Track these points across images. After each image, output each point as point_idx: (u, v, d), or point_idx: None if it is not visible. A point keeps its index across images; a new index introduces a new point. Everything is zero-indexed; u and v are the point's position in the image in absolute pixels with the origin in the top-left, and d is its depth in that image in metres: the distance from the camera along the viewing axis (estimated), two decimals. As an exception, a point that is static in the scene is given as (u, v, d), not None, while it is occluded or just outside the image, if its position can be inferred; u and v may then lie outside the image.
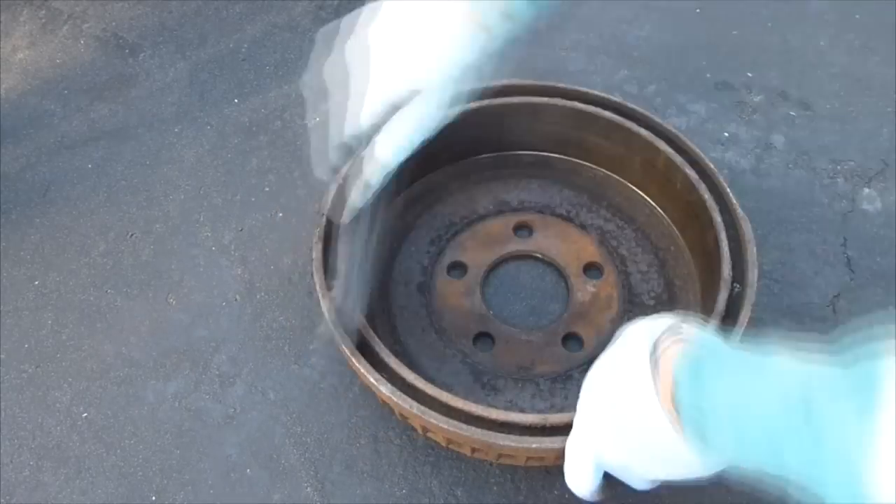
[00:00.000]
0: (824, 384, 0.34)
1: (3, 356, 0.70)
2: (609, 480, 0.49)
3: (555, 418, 0.54)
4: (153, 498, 0.62)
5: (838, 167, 0.80)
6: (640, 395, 0.43)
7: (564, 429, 0.53)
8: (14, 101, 0.90)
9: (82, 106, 0.89)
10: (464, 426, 0.53)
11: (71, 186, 0.82)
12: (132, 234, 0.77)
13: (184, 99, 0.88)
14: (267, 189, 0.80)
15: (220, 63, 0.92)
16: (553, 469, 0.61)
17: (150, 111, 0.87)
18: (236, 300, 0.72)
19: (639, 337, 0.45)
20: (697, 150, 0.69)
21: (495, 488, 0.61)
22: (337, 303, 0.58)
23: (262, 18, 0.96)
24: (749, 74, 0.89)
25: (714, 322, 0.58)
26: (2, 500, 0.62)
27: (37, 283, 0.74)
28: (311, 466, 0.62)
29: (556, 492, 0.60)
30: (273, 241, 0.76)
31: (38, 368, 0.69)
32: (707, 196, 0.66)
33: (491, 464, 0.62)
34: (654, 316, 0.48)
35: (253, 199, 0.79)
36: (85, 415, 0.66)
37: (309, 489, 0.61)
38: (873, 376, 0.31)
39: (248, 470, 0.63)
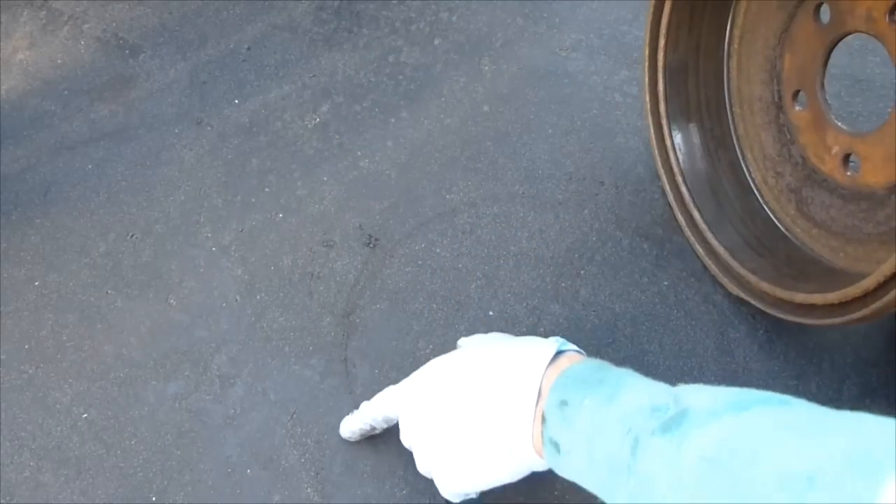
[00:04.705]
0: (648, 414, 0.41)
1: (3, 357, 0.70)
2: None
3: None
4: (153, 498, 0.62)
5: (838, 167, 0.80)
6: (519, 441, 0.48)
7: None
8: (14, 102, 0.90)
9: (82, 107, 0.89)
10: None
11: (71, 187, 0.82)
12: (132, 235, 0.77)
13: (184, 100, 0.88)
14: (267, 189, 0.80)
15: (220, 63, 0.92)
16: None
17: (151, 112, 0.87)
18: (236, 301, 0.72)
19: (526, 377, 0.48)
20: None
21: (495, 489, 0.61)
22: None
23: (262, 19, 0.96)
24: (749, 74, 0.89)
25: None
26: (2, 501, 0.62)
27: (37, 283, 0.75)
28: (312, 467, 0.62)
29: (556, 492, 0.60)
30: (273, 241, 0.76)
31: (39, 369, 0.69)
32: None
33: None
34: (531, 340, 0.52)
35: (253, 200, 0.79)
36: (85, 415, 0.66)
37: (309, 490, 0.61)
38: (682, 411, 0.39)
39: (249, 470, 0.63)
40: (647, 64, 0.70)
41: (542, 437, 0.46)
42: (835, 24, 0.59)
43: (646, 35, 0.69)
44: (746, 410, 0.38)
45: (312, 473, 0.62)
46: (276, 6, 0.97)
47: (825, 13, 0.60)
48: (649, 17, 0.68)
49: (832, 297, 0.54)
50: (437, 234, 0.75)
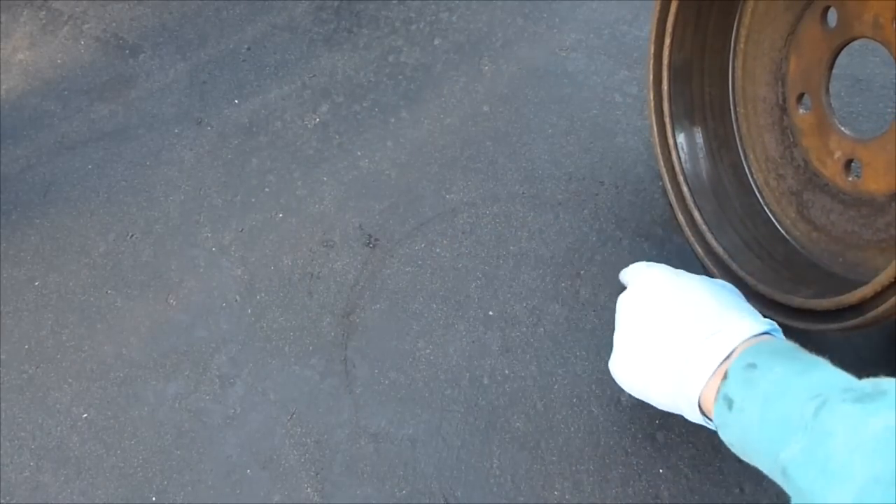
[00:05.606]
0: (840, 389, 0.41)
1: (3, 357, 0.70)
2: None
3: None
4: (153, 498, 0.62)
5: (838, 167, 0.80)
6: (690, 385, 0.50)
7: None
8: (14, 102, 0.90)
9: (82, 106, 0.89)
10: None
11: (71, 187, 0.82)
12: (132, 235, 0.77)
13: (184, 99, 0.88)
14: (267, 189, 0.80)
15: (220, 63, 0.92)
16: (553, 469, 0.61)
17: (150, 112, 0.87)
18: (236, 301, 0.72)
19: (727, 336, 0.51)
20: None
21: (495, 489, 0.61)
22: None
23: (262, 19, 0.96)
24: (749, 75, 0.89)
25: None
26: (2, 501, 0.62)
27: (37, 283, 0.75)
28: (312, 467, 0.62)
29: (556, 492, 0.60)
30: (273, 241, 0.76)
31: (39, 369, 0.69)
32: None
33: (491, 464, 0.62)
34: (750, 310, 0.54)
35: (253, 200, 0.79)
36: (85, 415, 0.66)
37: (309, 490, 0.61)
38: (881, 391, 0.39)
39: (248, 471, 0.63)
40: (651, 62, 0.70)
41: (718, 391, 0.48)
42: (841, 29, 0.59)
43: (651, 33, 0.69)
44: None
45: (312, 473, 0.62)
46: (276, 6, 0.97)
47: (832, 17, 0.60)
48: (655, 15, 0.68)
49: (828, 303, 0.54)
50: (437, 234, 0.75)
